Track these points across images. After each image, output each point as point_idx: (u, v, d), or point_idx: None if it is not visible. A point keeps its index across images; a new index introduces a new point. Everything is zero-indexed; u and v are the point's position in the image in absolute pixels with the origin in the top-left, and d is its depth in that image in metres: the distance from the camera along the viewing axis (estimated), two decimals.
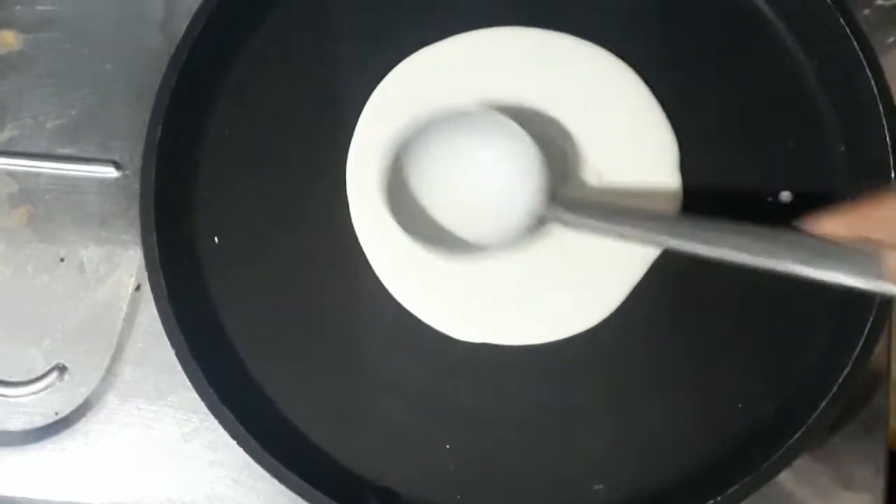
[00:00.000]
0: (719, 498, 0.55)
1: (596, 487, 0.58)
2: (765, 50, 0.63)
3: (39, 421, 0.62)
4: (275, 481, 0.58)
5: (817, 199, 0.56)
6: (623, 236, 0.55)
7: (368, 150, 0.61)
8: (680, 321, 0.60)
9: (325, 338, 0.61)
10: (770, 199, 0.61)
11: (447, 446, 0.59)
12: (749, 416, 0.58)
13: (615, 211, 0.57)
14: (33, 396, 0.63)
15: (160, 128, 0.60)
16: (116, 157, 0.66)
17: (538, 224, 0.57)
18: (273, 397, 0.60)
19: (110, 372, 0.63)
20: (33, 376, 0.63)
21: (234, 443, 0.58)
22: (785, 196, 0.60)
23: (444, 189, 0.58)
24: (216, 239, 0.62)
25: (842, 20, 0.59)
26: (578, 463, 0.58)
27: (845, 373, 0.56)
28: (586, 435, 0.59)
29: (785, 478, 0.57)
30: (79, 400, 0.62)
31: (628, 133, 0.60)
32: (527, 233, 0.57)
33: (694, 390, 0.59)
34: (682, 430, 0.59)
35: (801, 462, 0.56)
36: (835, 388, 0.56)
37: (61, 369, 0.63)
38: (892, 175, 0.58)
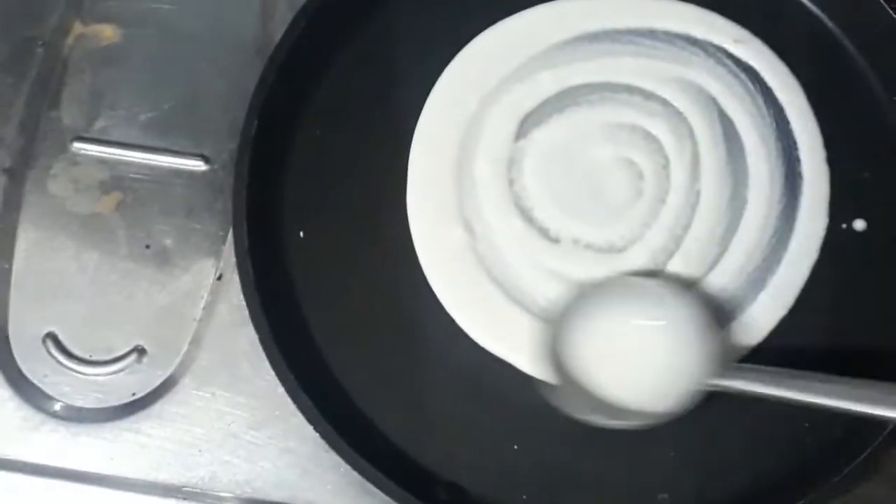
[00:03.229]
0: None
1: (661, 497, 0.59)
2: (844, 82, 0.65)
3: (116, 400, 0.64)
4: (342, 473, 0.60)
5: (891, 230, 0.60)
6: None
7: (427, 157, 0.64)
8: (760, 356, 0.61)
9: (400, 338, 0.62)
10: (844, 226, 0.62)
11: (515, 447, 0.60)
12: (817, 435, 0.59)
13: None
14: (112, 376, 0.64)
15: (256, 122, 0.61)
16: (206, 152, 0.68)
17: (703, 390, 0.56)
18: (349, 389, 0.62)
19: (188, 357, 0.64)
20: (113, 357, 0.64)
21: (304, 434, 0.60)
22: (859, 225, 0.61)
23: (604, 355, 0.59)
24: (301, 233, 0.63)
25: None
26: (645, 471, 0.60)
27: None
28: (654, 444, 0.60)
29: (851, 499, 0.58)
30: (155, 382, 0.64)
31: None
32: (691, 400, 0.57)
33: (763, 407, 0.59)
34: (749, 445, 0.60)
35: (867, 485, 0.58)
36: None
37: (140, 352, 0.64)
38: None
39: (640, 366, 0.58)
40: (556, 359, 0.58)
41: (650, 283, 0.60)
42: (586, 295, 0.60)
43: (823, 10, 0.65)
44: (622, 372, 0.58)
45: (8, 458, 0.63)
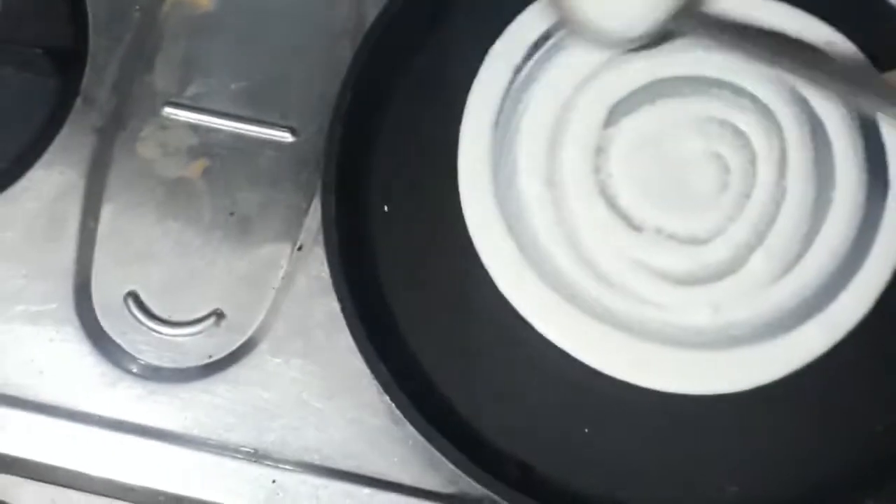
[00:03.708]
0: None
1: (730, 489, 0.59)
2: None
3: (193, 361, 0.65)
4: (410, 447, 0.61)
5: None
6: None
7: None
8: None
9: (479, 317, 0.63)
10: None
11: (585, 430, 0.61)
12: (889, 438, 0.60)
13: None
14: (190, 338, 0.65)
15: (349, 95, 0.63)
16: (294, 124, 0.69)
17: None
18: (425, 364, 0.63)
19: (265, 324, 0.65)
20: (192, 319, 0.66)
21: (374, 406, 0.62)
22: None
23: None
24: (386, 208, 0.64)
25: None
26: (715, 463, 0.60)
27: None
28: (726, 437, 0.61)
29: None
30: (232, 346, 0.65)
31: None
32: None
33: (838, 409, 0.61)
34: (821, 444, 0.61)
35: None
36: None
37: (219, 315, 0.65)
38: None
39: None
40: None
41: None
42: None
43: None
44: None
45: (85, 411, 0.64)
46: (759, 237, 0.62)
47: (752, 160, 0.63)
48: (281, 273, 0.66)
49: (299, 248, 0.66)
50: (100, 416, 0.64)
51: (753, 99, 0.63)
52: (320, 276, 0.64)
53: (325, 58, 0.69)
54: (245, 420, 0.64)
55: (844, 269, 0.62)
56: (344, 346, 0.62)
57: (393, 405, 0.59)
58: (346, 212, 0.62)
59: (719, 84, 0.64)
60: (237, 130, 0.69)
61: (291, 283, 0.66)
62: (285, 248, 0.67)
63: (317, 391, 0.64)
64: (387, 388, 0.59)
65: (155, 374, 0.65)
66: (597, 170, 0.63)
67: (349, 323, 0.60)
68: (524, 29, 0.66)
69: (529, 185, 0.63)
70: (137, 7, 0.71)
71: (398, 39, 0.65)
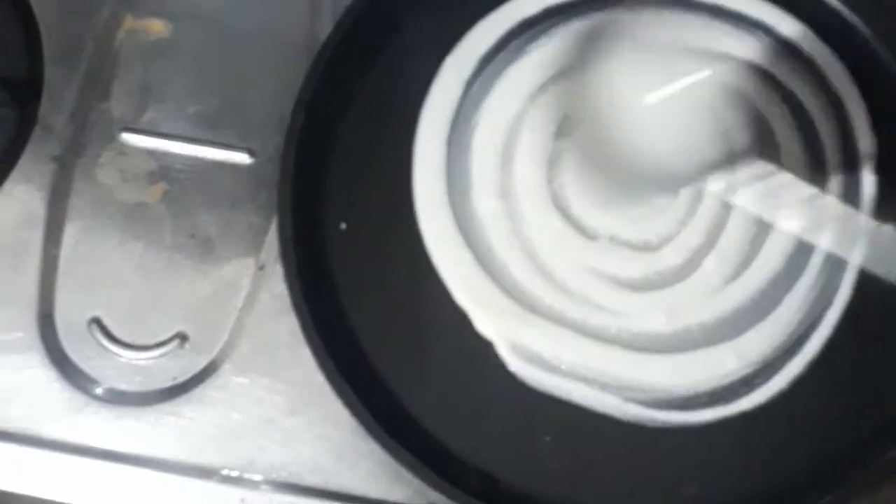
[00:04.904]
0: None
1: (689, 490, 0.60)
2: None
3: (158, 384, 0.65)
4: (377, 460, 0.61)
5: None
6: None
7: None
8: None
9: (437, 330, 0.64)
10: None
11: (547, 439, 0.61)
12: (850, 436, 0.61)
13: None
14: (154, 361, 0.66)
15: (302, 115, 0.63)
16: (251, 145, 0.69)
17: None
18: (386, 378, 0.63)
19: (228, 344, 0.65)
20: (156, 342, 0.66)
21: (340, 421, 0.62)
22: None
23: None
24: (343, 225, 0.65)
25: None
26: (676, 466, 0.60)
27: None
28: (685, 440, 0.61)
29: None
30: (197, 368, 0.65)
31: None
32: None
33: (798, 408, 0.62)
34: (780, 442, 0.62)
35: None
36: None
37: (183, 338, 0.65)
38: None
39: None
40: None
41: None
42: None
43: None
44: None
45: (52, 438, 0.64)
46: (711, 241, 0.62)
47: None
48: (243, 293, 0.66)
49: (261, 268, 0.66)
50: (67, 443, 0.64)
51: None
52: (283, 294, 0.64)
53: (281, 78, 0.69)
54: (212, 440, 0.64)
55: (794, 268, 0.62)
56: (308, 362, 0.62)
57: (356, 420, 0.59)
58: (303, 231, 0.63)
59: None
60: (195, 153, 0.69)
61: (254, 303, 0.66)
62: (247, 269, 0.67)
63: (283, 409, 0.64)
64: (349, 405, 0.59)
65: (120, 398, 0.65)
66: (549, 181, 0.64)
67: (309, 341, 0.61)
68: (475, 43, 0.66)
69: (484, 199, 0.64)
70: (92, 36, 0.71)
71: (350, 58, 0.66)
